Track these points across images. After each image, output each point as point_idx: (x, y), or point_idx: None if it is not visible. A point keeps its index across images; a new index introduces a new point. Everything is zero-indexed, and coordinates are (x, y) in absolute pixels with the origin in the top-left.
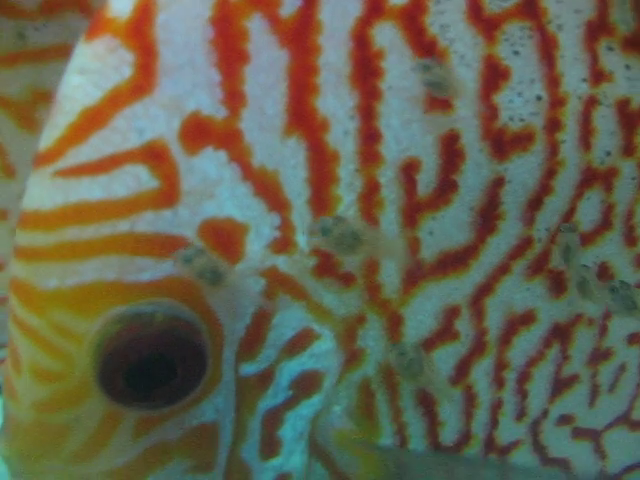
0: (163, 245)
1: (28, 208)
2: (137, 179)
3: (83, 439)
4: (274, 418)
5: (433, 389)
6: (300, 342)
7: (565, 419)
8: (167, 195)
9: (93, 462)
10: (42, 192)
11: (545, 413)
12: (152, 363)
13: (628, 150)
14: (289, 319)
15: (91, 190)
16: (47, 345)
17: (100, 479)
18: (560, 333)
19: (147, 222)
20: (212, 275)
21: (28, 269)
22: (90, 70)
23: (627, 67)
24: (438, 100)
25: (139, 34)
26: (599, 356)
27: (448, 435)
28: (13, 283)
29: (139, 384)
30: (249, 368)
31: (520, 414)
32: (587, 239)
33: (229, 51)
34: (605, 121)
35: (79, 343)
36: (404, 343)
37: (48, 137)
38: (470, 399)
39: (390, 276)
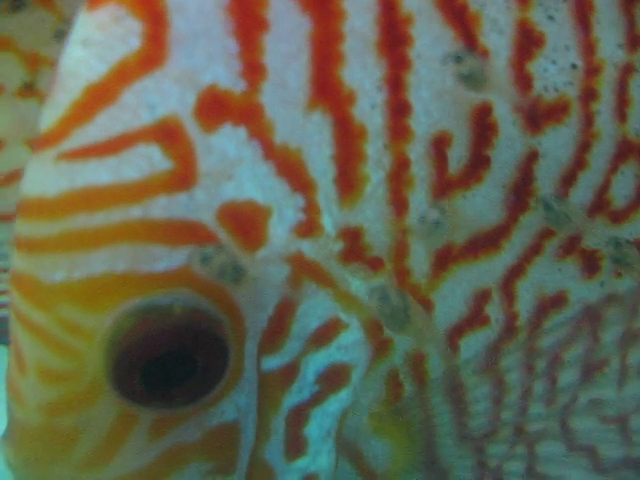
0: (179, 232)
1: (30, 195)
2: (149, 160)
3: (95, 443)
4: (299, 415)
5: (424, 341)
6: (327, 333)
7: (594, 404)
8: (182, 177)
9: (106, 467)
10: (45, 177)
11: (575, 398)
12: (170, 359)
13: None
14: (315, 308)
15: (99, 174)
16: (55, 343)
17: None
18: (592, 315)
19: (161, 207)
20: (234, 272)
21: (32, 261)
22: (94, 42)
23: None
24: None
25: (147, 1)
26: (630, 338)
27: (477, 423)
28: (15, 277)
29: (156, 382)
30: (272, 362)
31: (550, 400)
32: (621, 215)
33: (247, 18)
34: None
35: (90, 340)
36: (386, 286)
37: (50, 117)
38: (499, 383)
39: (419, 260)
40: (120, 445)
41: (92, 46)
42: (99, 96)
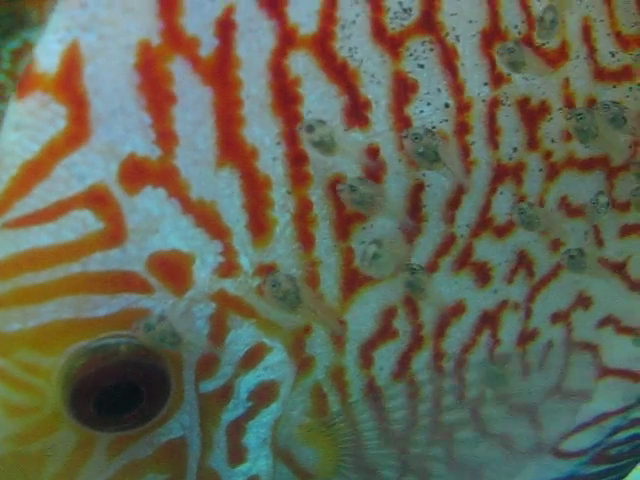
0: (115, 281)
1: None
2: (83, 223)
3: (61, 464)
4: (237, 428)
5: (316, 319)
6: (254, 356)
7: (502, 399)
8: (114, 235)
9: None
10: None
11: (483, 394)
12: (119, 389)
13: (533, 144)
14: (241, 336)
15: (41, 237)
16: (16, 382)
17: None
18: (489, 319)
19: (97, 262)
20: (172, 338)
21: None
22: (25, 126)
23: None
24: (356, 118)
25: (69, 87)
26: (527, 337)
27: (397, 425)
28: None
29: (109, 409)
30: (209, 385)
31: (460, 399)
32: (503, 231)
33: (156, 94)
34: (509, 120)
35: (47, 377)
36: (277, 273)
37: None
38: (414, 390)
39: (330, 287)
40: (83, 465)
41: (24, 129)
42: (34, 171)
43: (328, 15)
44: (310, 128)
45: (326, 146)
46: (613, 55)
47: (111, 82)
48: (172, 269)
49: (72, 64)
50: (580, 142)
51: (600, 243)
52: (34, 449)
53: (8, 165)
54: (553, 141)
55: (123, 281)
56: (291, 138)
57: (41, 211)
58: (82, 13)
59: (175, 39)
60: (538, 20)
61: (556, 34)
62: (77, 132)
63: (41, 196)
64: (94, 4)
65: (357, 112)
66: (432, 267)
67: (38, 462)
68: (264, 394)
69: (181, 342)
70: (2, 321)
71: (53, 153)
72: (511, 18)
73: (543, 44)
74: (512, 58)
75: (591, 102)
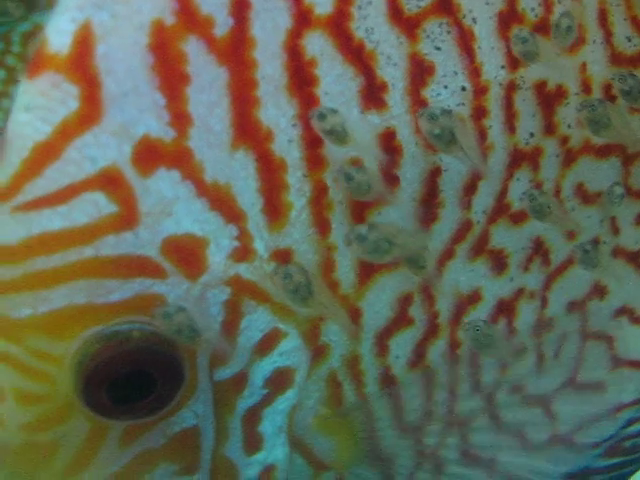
0: (128, 266)
1: None
2: (96, 206)
3: (73, 453)
4: (253, 416)
5: (328, 314)
6: (269, 342)
7: (516, 389)
8: (126, 218)
9: (84, 474)
10: (4, 227)
11: (498, 384)
12: (132, 377)
13: (549, 129)
14: (256, 322)
15: (52, 221)
16: (28, 370)
17: None
18: (505, 308)
19: (110, 246)
20: (190, 332)
21: (0, 301)
22: (36, 106)
23: None
24: (372, 100)
25: (81, 67)
26: (542, 326)
27: (412, 415)
28: None
29: (122, 397)
30: (224, 373)
31: (475, 388)
32: (520, 217)
33: (170, 74)
34: (526, 104)
35: (59, 365)
36: (290, 265)
37: (3, 175)
38: (429, 378)
39: (346, 273)
40: (95, 454)
41: (35, 110)
42: (46, 153)
43: None
44: (321, 116)
45: (338, 135)
46: (629, 40)
47: (124, 62)
48: (186, 253)
49: (84, 43)
50: (592, 133)
51: (616, 231)
52: (46, 438)
53: (19, 147)
54: (569, 126)
55: (136, 265)
56: (307, 120)
57: (53, 194)
58: None
59: (189, 18)
60: (554, 26)
61: (571, 40)
62: (89, 113)
63: (53, 178)
64: None
65: (374, 94)
66: (448, 254)
67: (50, 451)
68: (280, 381)
69: (199, 337)
70: (13, 306)
71: (65, 134)
72: (528, 0)
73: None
74: (525, 48)
75: (607, 87)
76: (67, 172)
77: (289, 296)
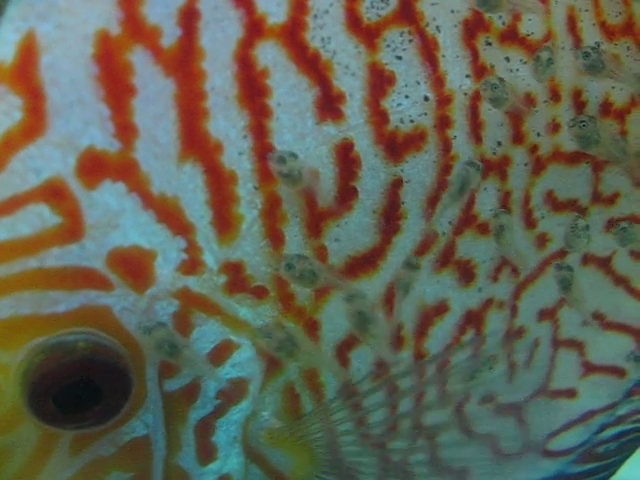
0: (74, 277)
1: None
2: (40, 217)
3: (23, 461)
4: (206, 426)
5: (315, 364)
6: (221, 353)
7: (487, 399)
8: (72, 230)
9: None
10: None
11: (467, 396)
12: (79, 387)
13: (517, 138)
14: (207, 334)
15: None
16: None
17: None
18: (473, 318)
19: (55, 257)
20: (170, 349)
21: None
22: None
23: (507, 59)
24: (329, 111)
25: (25, 78)
26: (513, 335)
27: (376, 427)
28: None
29: (68, 407)
30: (173, 384)
31: (443, 400)
32: (487, 228)
33: (115, 85)
34: (493, 113)
35: (5, 373)
36: (268, 325)
37: None
38: (393, 392)
39: None
40: (46, 461)
41: None
42: None
43: (299, 4)
44: (281, 160)
45: (293, 179)
46: (598, 45)
47: (69, 73)
48: (133, 266)
49: (28, 54)
50: (581, 149)
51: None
52: None
53: None
54: (539, 134)
55: (82, 277)
56: (258, 131)
57: None
58: (39, 1)
59: (135, 29)
60: (534, 58)
61: (552, 72)
62: (33, 124)
63: None
64: None
65: (330, 105)
66: (413, 265)
67: (1, 458)
68: (233, 391)
69: (180, 354)
70: None
71: (9, 146)
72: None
73: (528, 35)
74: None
75: (577, 94)
76: (11, 184)
77: (276, 353)
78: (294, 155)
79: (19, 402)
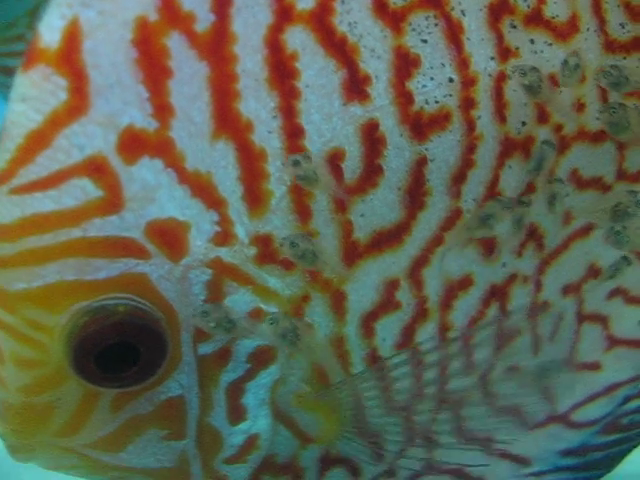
0: (114, 247)
1: None
2: (83, 190)
3: (67, 416)
4: (236, 389)
5: (314, 356)
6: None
7: (512, 369)
8: (112, 202)
9: (78, 435)
10: (1, 209)
11: (492, 366)
12: (119, 348)
13: (542, 117)
14: (238, 302)
15: (44, 203)
16: (24, 338)
17: (85, 450)
18: (497, 292)
19: (97, 227)
20: (227, 324)
21: None
22: (30, 97)
23: (531, 41)
24: (355, 92)
25: (69, 61)
26: (537, 309)
27: (401, 396)
28: None
29: (108, 367)
30: (207, 348)
31: (468, 369)
32: (514, 203)
33: (153, 68)
34: (517, 94)
35: (51, 334)
36: (277, 314)
37: (0, 160)
38: (419, 362)
39: (329, 257)
40: (87, 417)
41: (29, 101)
42: (38, 141)
43: None
44: (296, 163)
45: (309, 180)
46: (623, 27)
47: (109, 56)
48: (169, 236)
49: (72, 39)
50: (612, 134)
51: None
52: (42, 401)
53: (14, 135)
54: (563, 114)
55: (122, 247)
56: (287, 111)
57: (44, 178)
58: None
59: (172, 15)
60: (562, 63)
61: (579, 77)
62: (77, 104)
63: (44, 164)
64: None
65: (356, 86)
66: (437, 241)
67: (46, 413)
68: (262, 357)
69: (236, 327)
70: (9, 280)
71: (55, 124)
72: None
73: (553, 17)
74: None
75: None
76: (57, 159)
77: (279, 340)
78: (308, 157)
79: (64, 362)
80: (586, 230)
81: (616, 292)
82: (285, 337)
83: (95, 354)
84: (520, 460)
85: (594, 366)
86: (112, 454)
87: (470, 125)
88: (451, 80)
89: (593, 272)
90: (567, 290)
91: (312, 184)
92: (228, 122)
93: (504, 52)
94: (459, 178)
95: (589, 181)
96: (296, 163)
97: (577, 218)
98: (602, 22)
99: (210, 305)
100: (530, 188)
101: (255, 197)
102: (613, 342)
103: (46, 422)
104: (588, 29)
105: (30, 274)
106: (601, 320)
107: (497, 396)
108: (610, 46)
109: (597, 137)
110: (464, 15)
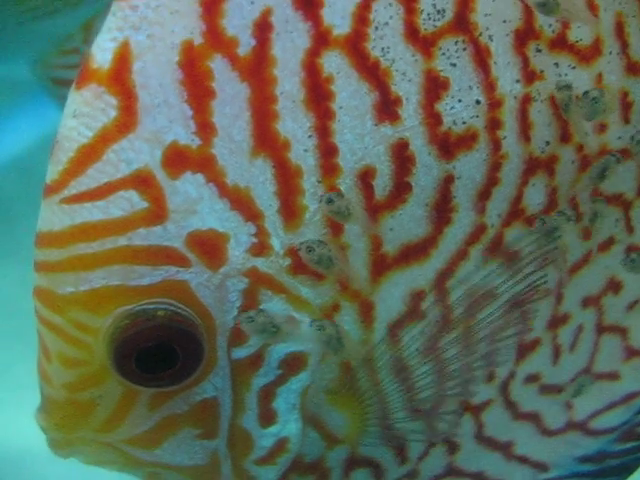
0: (157, 255)
1: (42, 230)
2: (129, 202)
3: (107, 412)
4: (268, 393)
5: (356, 360)
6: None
7: (532, 378)
8: (156, 214)
9: (117, 431)
10: (52, 217)
11: (512, 374)
12: (157, 350)
13: (565, 137)
14: (272, 309)
15: (92, 213)
16: (70, 338)
17: (123, 446)
18: (520, 304)
19: (141, 237)
20: (272, 328)
21: (48, 279)
22: (82, 114)
23: (556, 65)
24: (386, 113)
25: (119, 81)
26: (558, 321)
27: (425, 401)
28: (37, 291)
29: (148, 367)
30: (240, 352)
31: (489, 377)
32: (533, 221)
33: (197, 89)
34: (541, 115)
35: (96, 335)
36: (323, 321)
37: (53, 171)
38: (442, 369)
39: (358, 269)
40: (127, 414)
41: (80, 117)
42: (88, 155)
43: (362, 17)
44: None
45: (342, 215)
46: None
47: (157, 77)
48: (208, 246)
49: (123, 60)
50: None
51: (630, 230)
52: (84, 397)
53: (66, 148)
54: (586, 134)
55: (164, 255)
56: (322, 131)
57: (93, 190)
58: (133, 14)
59: (215, 39)
60: (583, 93)
61: (596, 112)
62: (126, 121)
63: (93, 177)
64: (144, 6)
65: (388, 108)
66: (462, 255)
67: (87, 409)
68: (293, 364)
69: (280, 331)
70: (58, 283)
71: (105, 139)
72: (546, 17)
73: (577, 41)
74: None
75: (624, 95)
76: (106, 172)
77: (324, 346)
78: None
79: (107, 361)
80: (607, 244)
81: (635, 304)
82: (329, 343)
83: (135, 355)
84: (539, 466)
85: (613, 376)
86: (148, 450)
87: (496, 145)
88: (478, 102)
89: (613, 285)
90: (587, 302)
91: (345, 218)
92: (267, 141)
93: (529, 75)
94: (484, 195)
95: (610, 197)
96: (329, 201)
97: (597, 234)
98: (624, 45)
99: (254, 311)
100: (552, 205)
101: (290, 211)
102: (632, 353)
103: (87, 418)
104: (611, 52)
105: (78, 278)
106: (620, 331)
107: (517, 404)
108: (632, 68)
109: (619, 155)
110: (491, 40)
